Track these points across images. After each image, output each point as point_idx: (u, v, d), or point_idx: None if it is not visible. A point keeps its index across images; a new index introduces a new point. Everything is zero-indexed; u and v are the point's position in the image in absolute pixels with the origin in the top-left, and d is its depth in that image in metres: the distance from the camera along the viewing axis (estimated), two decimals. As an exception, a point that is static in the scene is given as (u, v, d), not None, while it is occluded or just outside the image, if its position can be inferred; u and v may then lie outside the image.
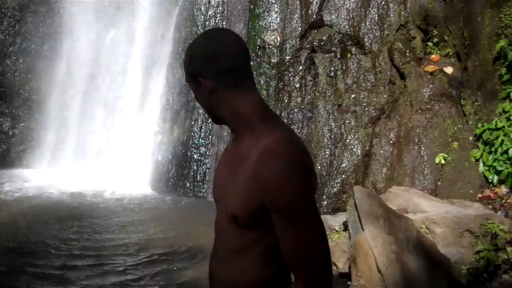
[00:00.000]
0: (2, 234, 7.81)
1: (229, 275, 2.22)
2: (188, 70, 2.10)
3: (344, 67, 9.58)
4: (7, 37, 11.98)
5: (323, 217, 7.11)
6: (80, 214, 8.87)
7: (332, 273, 2.07)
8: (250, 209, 2.04)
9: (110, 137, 11.15)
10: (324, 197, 9.17)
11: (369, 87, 9.33)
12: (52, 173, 10.99)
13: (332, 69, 9.60)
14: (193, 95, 2.18)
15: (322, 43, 9.83)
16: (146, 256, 7.05)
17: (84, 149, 11.10)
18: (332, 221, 6.84)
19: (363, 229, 5.37)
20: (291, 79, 10.10)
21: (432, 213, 6.12)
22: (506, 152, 7.56)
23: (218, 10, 10.53)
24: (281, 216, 1.98)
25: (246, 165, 2.02)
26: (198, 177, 10.18)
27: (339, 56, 9.68)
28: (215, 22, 10.51)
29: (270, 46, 10.10)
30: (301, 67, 10.08)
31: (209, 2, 10.60)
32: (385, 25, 9.52)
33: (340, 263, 6.03)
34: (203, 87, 2.06)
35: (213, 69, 2.02)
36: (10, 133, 12.04)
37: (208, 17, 10.53)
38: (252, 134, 2.06)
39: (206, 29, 10.37)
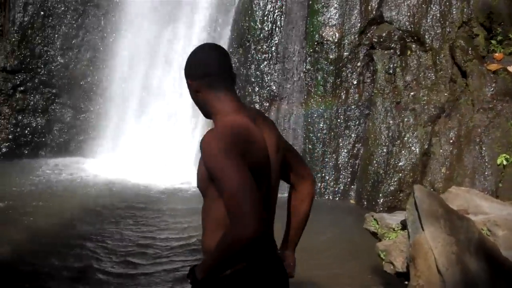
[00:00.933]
0: (57, 223, 8.07)
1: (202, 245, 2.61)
2: (184, 73, 2.63)
3: (403, 64, 9.45)
4: (70, 30, 12.28)
5: (379, 215, 7.06)
6: (136, 205, 9.04)
7: (260, 223, 2.22)
8: (201, 178, 2.49)
9: (169, 129, 11.29)
10: (380, 195, 9.09)
11: (429, 85, 9.18)
12: (110, 163, 11.22)
13: (391, 66, 9.49)
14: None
15: (381, 40, 9.72)
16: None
17: (142, 140, 11.28)
18: (390, 220, 6.74)
19: (423, 229, 5.28)
20: (349, 75, 10.03)
21: (493, 215, 5.97)
22: None
23: (276, 5, 10.51)
24: (213, 174, 2.34)
25: None
26: (253, 171, 10.23)
27: (398, 53, 9.56)
28: (273, 17, 10.50)
29: (328, 42, 10.05)
30: (359, 64, 10.00)
31: (268, -3, 10.62)
32: (447, 22, 9.33)
33: (397, 262, 5.95)
34: (191, 87, 2.61)
35: (197, 73, 2.57)
36: (72, 124, 12.37)
37: (266, 12, 10.53)
38: None
39: (264, 24, 10.44)
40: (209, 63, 2.56)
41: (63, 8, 12.24)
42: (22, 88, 11.98)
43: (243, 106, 2.61)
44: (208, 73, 2.55)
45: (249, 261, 2.46)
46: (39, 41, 12.10)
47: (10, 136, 12.01)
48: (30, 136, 12.17)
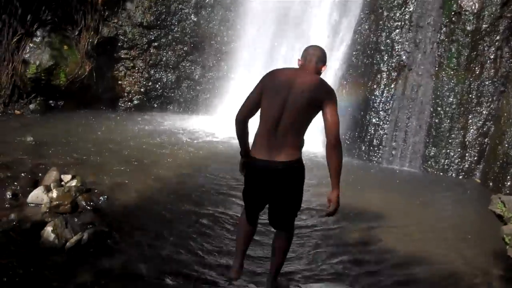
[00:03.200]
0: (179, 174, 8.40)
1: None
2: (323, 60, 4.50)
3: (548, 40, 8.79)
4: (204, -11, 12.58)
5: (507, 197, 6.71)
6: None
7: (238, 115, 4.49)
8: None
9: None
10: (508, 177, 8.65)
11: None
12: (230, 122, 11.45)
13: (534, 41, 8.85)
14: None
15: (525, 13, 9.08)
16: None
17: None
18: (520, 204, 6.39)
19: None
20: (485, 49, 9.50)
21: None
22: None
23: (414, -28, 10.10)
24: None
25: None
26: (375, 141, 10.06)
27: (543, 28, 8.89)
28: (409, -16, 10.11)
29: (467, 13, 9.55)
30: (498, 37, 9.43)
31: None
32: None
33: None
34: (322, 67, 4.49)
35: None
36: (200, 81, 12.76)
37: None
38: None
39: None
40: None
41: (199, -33, 12.53)
42: (156, 44, 12.48)
43: (301, 68, 4.46)
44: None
45: (250, 157, 4.43)
46: (175, -1, 12.50)
47: (142, 89, 12.61)
48: (160, 91, 12.72)
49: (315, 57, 4.42)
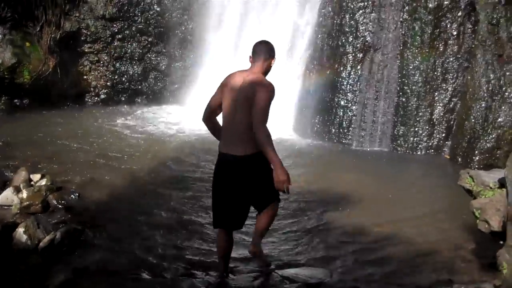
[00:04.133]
0: (150, 168, 8.36)
1: None
2: (271, 53, 4.86)
3: (508, 15, 8.91)
4: (166, -22, 12.44)
5: (475, 172, 6.84)
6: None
7: (204, 115, 5.01)
8: None
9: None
10: (476, 152, 8.78)
11: (536, 37, 8.62)
12: (198, 112, 11.39)
13: (495, 16, 8.96)
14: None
15: (485, -12, 9.18)
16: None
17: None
18: (486, 177, 6.52)
19: (523, 188, 5.07)
20: (448, 25, 9.60)
21: None
22: None
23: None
24: None
25: None
26: (344, 123, 10.12)
27: (503, 2, 8.98)
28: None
29: (428, -10, 9.62)
30: (460, 13, 9.53)
31: None
32: (560, -32, 8.66)
33: (493, 221, 5.77)
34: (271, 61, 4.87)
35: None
36: (167, 72, 12.66)
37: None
38: None
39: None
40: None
41: (160, -44, 12.39)
42: (120, 36, 12.32)
43: (249, 68, 4.84)
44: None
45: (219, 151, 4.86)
46: (137, -11, 12.34)
47: (108, 83, 12.46)
48: (127, 83, 12.58)
49: (263, 53, 4.81)
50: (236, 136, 4.68)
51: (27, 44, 11.25)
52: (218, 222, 4.92)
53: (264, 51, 4.82)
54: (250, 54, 4.86)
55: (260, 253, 5.13)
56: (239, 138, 4.66)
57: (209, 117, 4.97)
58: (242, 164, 4.66)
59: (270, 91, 4.59)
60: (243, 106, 4.62)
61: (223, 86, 4.81)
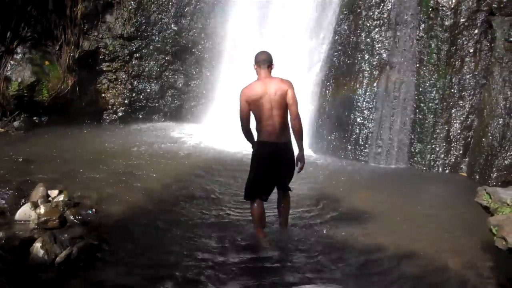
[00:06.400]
0: (166, 184, 8.40)
1: None
2: (271, 61, 6.09)
3: (525, 32, 8.88)
4: (184, -2, 12.59)
5: (493, 189, 6.75)
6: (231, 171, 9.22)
7: (243, 127, 6.08)
8: None
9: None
10: (494, 169, 8.71)
11: (554, 54, 8.57)
12: (216, 130, 11.43)
13: (512, 33, 8.94)
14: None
15: (501, 5, 9.18)
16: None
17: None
18: (504, 194, 6.43)
19: (540, 205, 5.01)
20: (464, 43, 9.58)
21: None
22: None
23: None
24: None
25: None
26: (360, 140, 10.10)
27: (520, 20, 8.97)
28: (385, -17, 10.18)
29: (444, 8, 9.63)
30: (476, 31, 9.52)
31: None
32: None
33: (511, 238, 5.69)
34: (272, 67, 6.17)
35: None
36: (183, 90, 12.77)
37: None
38: None
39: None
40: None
41: (177, -23, 12.55)
42: (137, 55, 12.50)
43: (265, 77, 6.03)
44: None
45: (259, 142, 6.12)
46: (154, 9, 12.50)
47: (126, 101, 12.61)
48: (144, 101, 12.72)
49: (266, 62, 6.06)
50: (277, 128, 5.96)
51: (46, 62, 11.44)
52: (256, 194, 6.17)
53: (267, 60, 6.06)
54: (255, 63, 6.09)
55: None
56: (280, 129, 5.97)
57: (247, 126, 6.08)
58: (284, 148, 6.08)
59: (294, 87, 5.98)
60: (279, 104, 5.91)
61: (248, 97, 5.95)
